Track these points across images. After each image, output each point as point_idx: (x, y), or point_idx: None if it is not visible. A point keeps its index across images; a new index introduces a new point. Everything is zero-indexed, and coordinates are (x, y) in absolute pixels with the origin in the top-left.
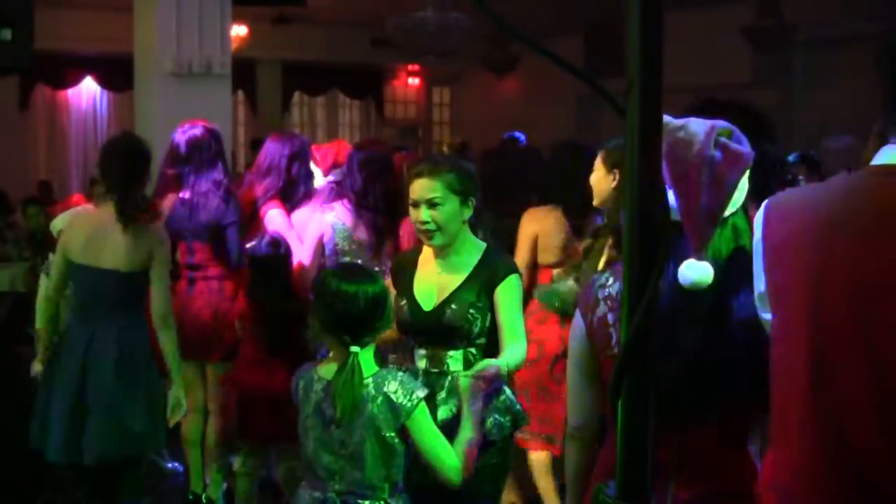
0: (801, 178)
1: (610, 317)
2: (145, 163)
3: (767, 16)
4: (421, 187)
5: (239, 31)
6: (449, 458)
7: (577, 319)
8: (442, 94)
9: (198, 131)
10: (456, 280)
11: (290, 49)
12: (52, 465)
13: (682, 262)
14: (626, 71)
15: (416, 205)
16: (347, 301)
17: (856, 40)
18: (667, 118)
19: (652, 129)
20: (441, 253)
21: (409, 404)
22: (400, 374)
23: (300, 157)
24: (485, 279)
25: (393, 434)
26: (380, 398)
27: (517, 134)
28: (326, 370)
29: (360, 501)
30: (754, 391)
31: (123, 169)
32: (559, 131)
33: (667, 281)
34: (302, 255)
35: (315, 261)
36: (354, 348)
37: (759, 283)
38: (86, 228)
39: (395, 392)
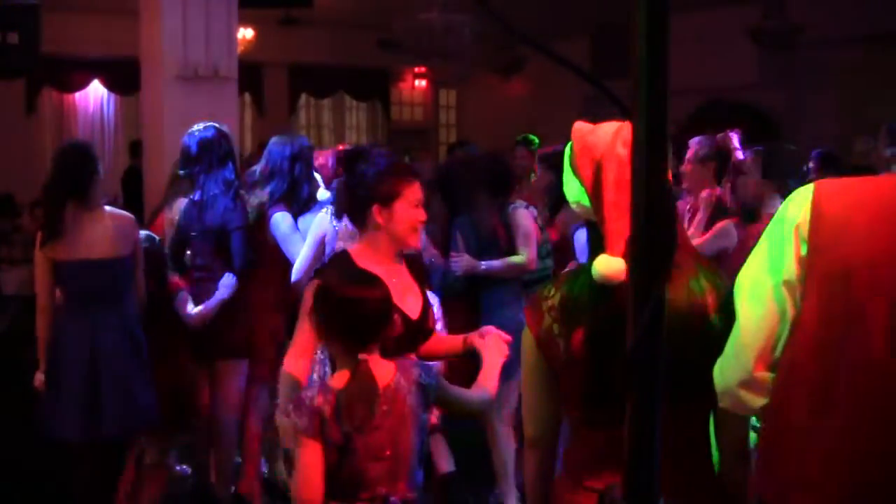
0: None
1: (555, 328)
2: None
3: (773, 17)
4: (419, 189)
5: (245, 33)
6: (477, 399)
7: (527, 332)
8: (448, 97)
9: (208, 133)
10: (412, 284)
11: (296, 51)
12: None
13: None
14: (632, 73)
15: (417, 205)
16: (353, 308)
17: (861, 41)
18: (580, 124)
19: (658, 130)
20: (397, 259)
21: (433, 381)
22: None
23: (301, 157)
24: (423, 278)
25: (425, 416)
26: (412, 387)
27: (530, 136)
28: (337, 380)
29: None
30: (699, 382)
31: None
32: (565, 133)
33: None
34: (302, 253)
35: (315, 260)
36: (362, 356)
37: (782, 268)
38: (69, 228)
39: (420, 376)
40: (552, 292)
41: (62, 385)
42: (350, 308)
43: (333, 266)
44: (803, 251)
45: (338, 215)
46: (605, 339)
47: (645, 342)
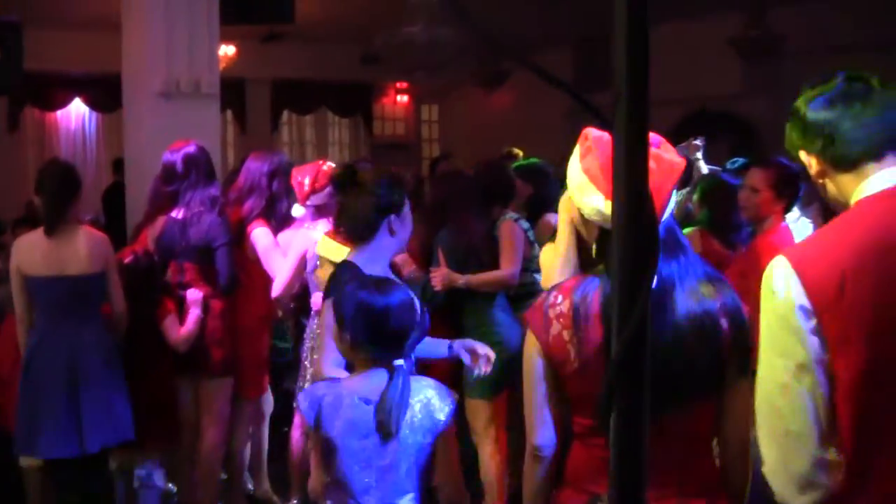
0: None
1: (565, 334)
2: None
3: (755, 27)
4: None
5: (227, 50)
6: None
7: (531, 339)
8: (430, 111)
9: (191, 149)
10: None
11: (278, 67)
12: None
13: None
14: (613, 84)
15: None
16: (386, 314)
17: (844, 49)
18: (594, 131)
19: (639, 141)
20: (389, 266)
21: (447, 409)
22: (429, 380)
23: (280, 173)
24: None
25: (430, 441)
26: (418, 406)
27: (514, 150)
28: (361, 386)
29: None
30: (710, 387)
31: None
32: (548, 146)
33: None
34: (283, 269)
35: (296, 276)
36: (398, 361)
37: (803, 348)
38: (39, 245)
39: (433, 398)
40: (560, 299)
41: (40, 401)
42: (380, 317)
43: (351, 277)
44: (813, 322)
45: (343, 230)
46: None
47: (631, 350)
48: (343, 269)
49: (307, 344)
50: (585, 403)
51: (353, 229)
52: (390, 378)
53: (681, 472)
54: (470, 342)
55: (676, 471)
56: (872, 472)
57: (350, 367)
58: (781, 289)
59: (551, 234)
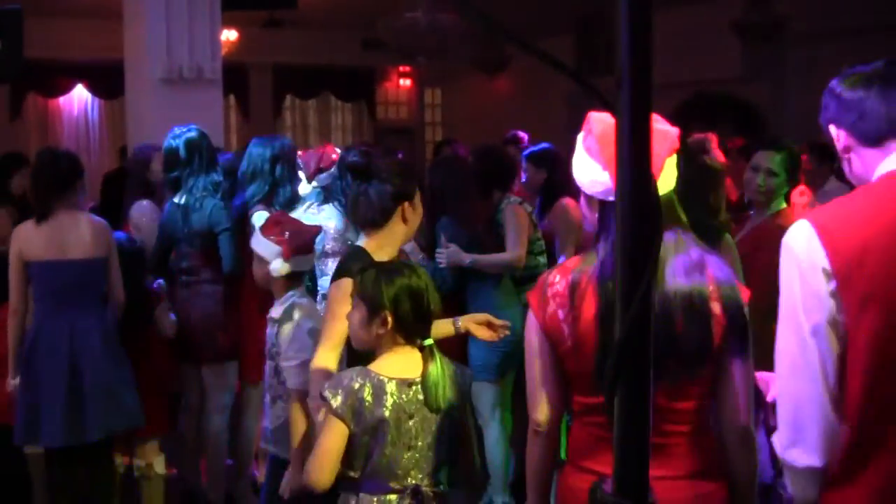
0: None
1: (560, 313)
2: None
3: (757, 10)
4: None
5: (229, 35)
6: None
7: (532, 318)
8: (434, 95)
9: (194, 134)
10: None
11: (280, 53)
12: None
13: None
14: (616, 69)
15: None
16: (416, 298)
17: (845, 33)
18: (596, 113)
19: (642, 125)
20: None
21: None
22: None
23: (283, 158)
24: None
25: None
26: (448, 381)
27: (520, 133)
28: (399, 368)
29: (432, 489)
30: (698, 366)
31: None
32: (551, 130)
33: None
34: None
35: None
36: (429, 341)
37: (821, 308)
38: (40, 230)
39: (455, 370)
40: (558, 279)
41: (42, 390)
42: (420, 297)
43: (365, 262)
44: (832, 285)
45: (357, 218)
46: (613, 321)
47: (634, 333)
48: (355, 254)
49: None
50: (581, 381)
51: (367, 215)
52: (425, 356)
53: (675, 452)
54: (479, 315)
55: (672, 451)
56: (876, 445)
57: (357, 356)
58: (804, 250)
59: (565, 217)
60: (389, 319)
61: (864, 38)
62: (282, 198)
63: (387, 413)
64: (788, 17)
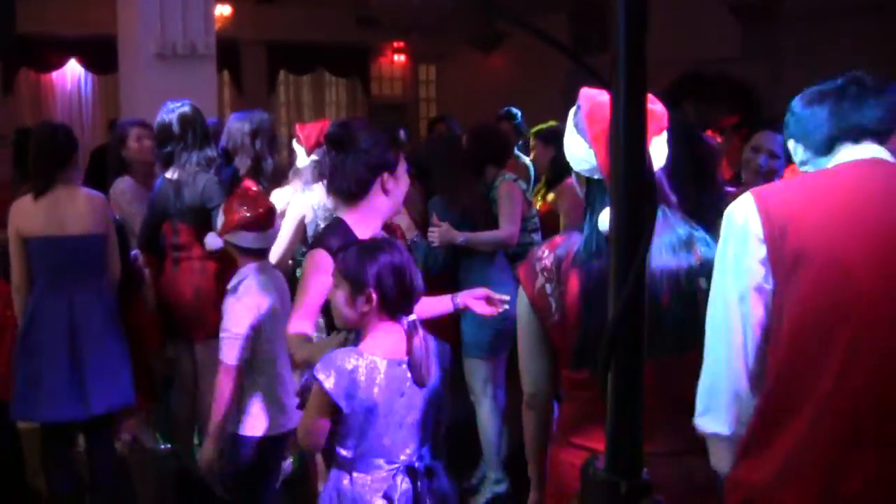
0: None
1: (547, 287)
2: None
3: None
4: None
5: (223, 10)
6: None
7: (521, 291)
8: (428, 72)
9: (187, 108)
10: None
11: (274, 28)
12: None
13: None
14: (611, 46)
15: (405, 172)
16: (399, 274)
17: (841, 14)
18: (587, 89)
19: (638, 103)
20: (382, 227)
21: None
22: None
23: (262, 132)
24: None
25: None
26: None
27: (513, 109)
28: (387, 347)
29: (423, 463)
30: (685, 342)
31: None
32: (546, 107)
33: (594, 230)
34: (281, 235)
35: (294, 242)
36: (412, 317)
37: (750, 273)
38: (38, 206)
39: (436, 348)
40: (546, 253)
41: (42, 365)
42: (403, 273)
43: (343, 235)
44: (763, 252)
45: (335, 189)
46: (597, 298)
47: (627, 312)
48: (333, 226)
49: None
50: (568, 356)
51: (343, 186)
52: (409, 333)
53: (662, 428)
54: (478, 290)
55: (657, 427)
56: (789, 411)
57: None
58: (741, 217)
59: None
60: (374, 297)
61: (859, 19)
62: (265, 171)
63: (380, 393)
64: None
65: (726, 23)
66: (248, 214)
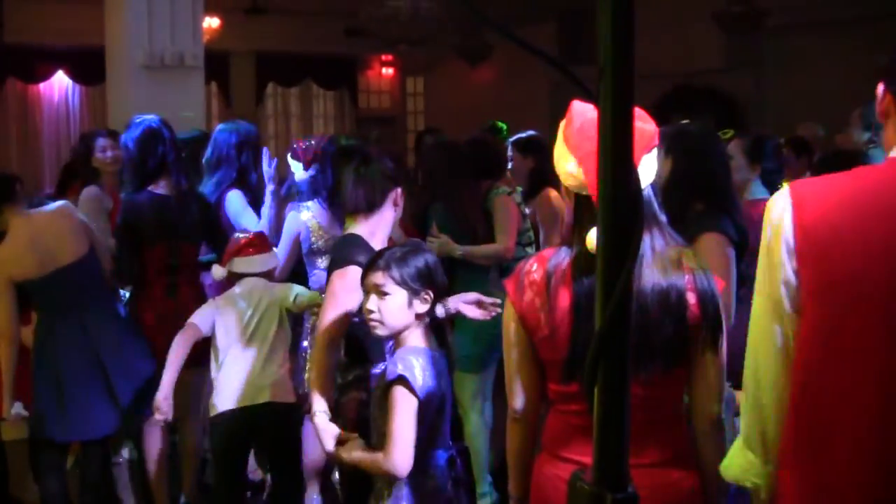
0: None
1: (536, 302)
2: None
3: (739, 2)
4: None
5: (211, 22)
6: None
7: (509, 305)
8: (416, 84)
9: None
10: None
11: (263, 40)
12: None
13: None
14: (598, 58)
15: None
16: (442, 269)
17: (827, 25)
18: (578, 102)
19: (624, 115)
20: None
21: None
22: None
23: (248, 144)
24: None
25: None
26: None
27: (499, 123)
28: (430, 343)
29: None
30: (672, 358)
31: None
32: (533, 119)
33: (583, 246)
34: (277, 253)
35: (290, 260)
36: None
37: (780, 281)
38: (24, 246)
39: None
40: (535, 267)
41: (67, 385)
42: (441, 267)
43: (366, 250)
44: (794, 262)
45: (351, 203)
46: (588, 313)
47: (614, 326)
48: (352, 242)
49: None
50: (556, 370)
51: (366, 198)
52: (445, 322)
53: (648, 441)
54: (469, 295)
55: (644, 440)
56: (816, 439)
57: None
58: (776, 219)
59: (549, 206)
60: (431, 296)
61: (844, 30)
62: (250, 184)
63: (444, 385)
64: (770, 9)
65: (710, 34)
66: (242, 242)
